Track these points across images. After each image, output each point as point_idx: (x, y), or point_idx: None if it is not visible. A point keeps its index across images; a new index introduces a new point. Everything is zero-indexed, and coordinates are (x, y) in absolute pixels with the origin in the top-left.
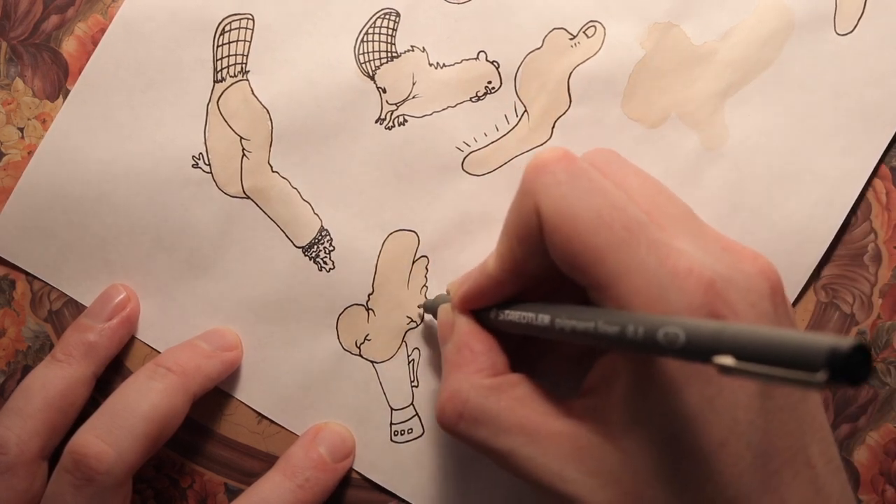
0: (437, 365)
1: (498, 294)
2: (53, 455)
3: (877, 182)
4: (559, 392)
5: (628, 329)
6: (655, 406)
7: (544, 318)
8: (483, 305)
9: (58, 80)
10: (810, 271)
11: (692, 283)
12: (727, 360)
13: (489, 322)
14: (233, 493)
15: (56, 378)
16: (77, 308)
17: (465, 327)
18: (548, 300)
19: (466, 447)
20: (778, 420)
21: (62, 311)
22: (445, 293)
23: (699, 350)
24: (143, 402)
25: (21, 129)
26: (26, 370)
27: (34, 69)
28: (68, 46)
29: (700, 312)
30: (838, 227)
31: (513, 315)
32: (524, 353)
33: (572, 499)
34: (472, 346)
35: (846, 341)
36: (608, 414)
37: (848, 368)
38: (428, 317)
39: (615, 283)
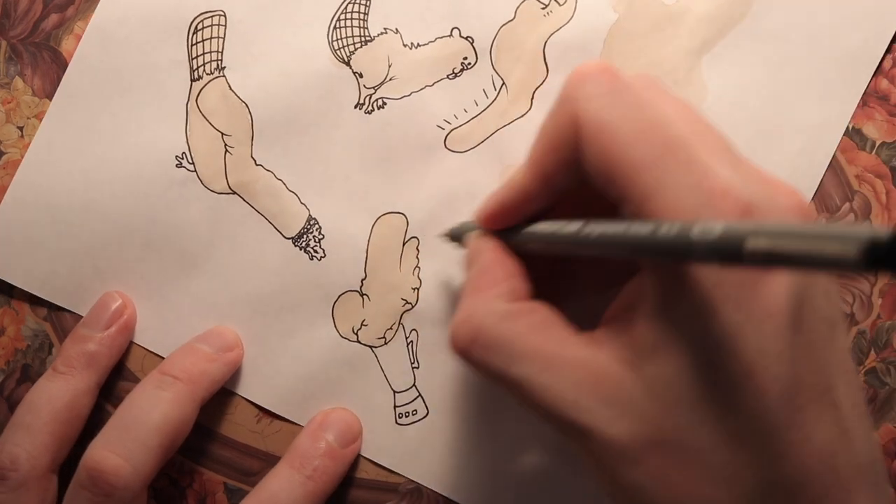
0: (435, 345)
1: (525, 208)
2: (62, 466)
3: (876, 182)
4: (582, 326)
5: (662, 227)
6: (680, 332)
7: (573, 226)
8: (510, 222)
9: (57, 79)
10: None
11: (728, 204)
12: (762, 241)
13: (516, 245)
14: (232, 493)
15: (60, 391)
16: None
17: (491, 252)
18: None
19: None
20: (805, 355)
21: (61, 311)
22: (472, 222)
23: (735, 238)
24: (154, 412)
25: (21, 128)
26: (25, 369)
27: (34, 68)
28: (68, 45)
29: None
30: (822, 174)
31: (541, 226)
32: (548, 288)
33: (587, 429)
34: (495, 272)
35: (886, 229)
36: (630, 341)
37: (889, 253)
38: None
39: (650, 198)
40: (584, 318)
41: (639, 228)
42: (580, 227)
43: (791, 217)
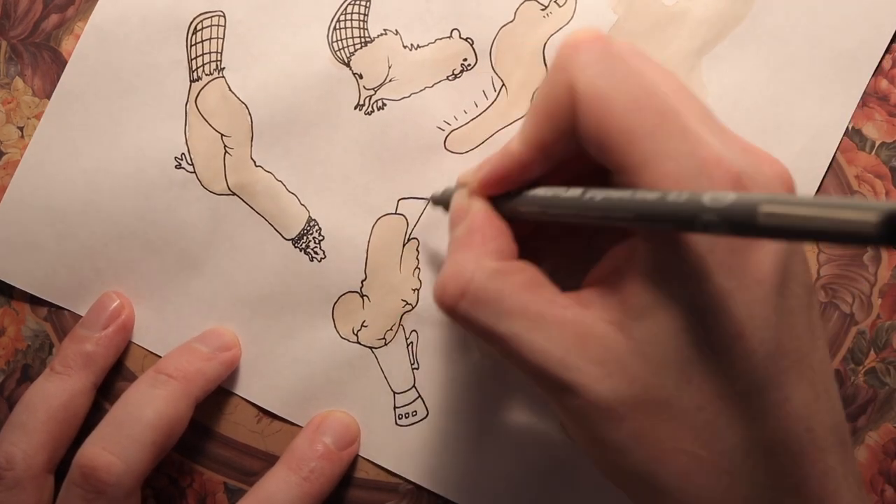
0: (435, 346)
1: (520, 176)
2: (59, 466)
3: (876, 182)
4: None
5: (670, 195)
6: (672, 295)
7: (575, 191)
8: (504, 188)
9: (57, 80)
10: None
11: (721, 173)
12: (777, 210)
13: (506, 210)
14: (232, 492)
15: (57, 390)
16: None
17: (481, 212)
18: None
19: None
20: (788, 321)
21: (61, 311)
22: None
23: (748, 207)
24: (148, 410)
25: (21, 129)
26: (26, 369)
27: (34, 68)
28: (68, 45)
29: None
30: (822, 175)
31: (540, 191)
32: (526, 252)
33: (574, 387)
34: (484, 231)
35: None
36: (619, 303)
37: None
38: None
39: (646, 167)
40: (559, 282)
41: (645, 195)
42: (582, 192)
43: (775, 185)
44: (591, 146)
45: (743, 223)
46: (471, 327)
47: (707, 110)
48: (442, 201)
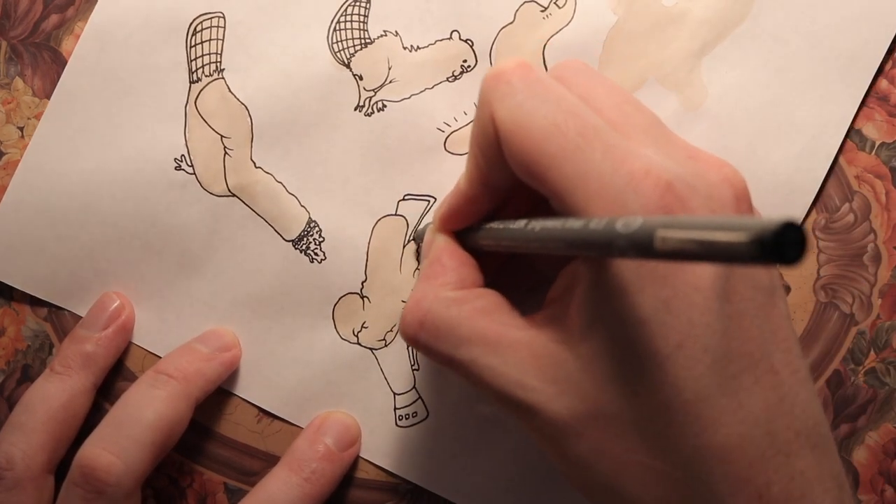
0: None
1: (472, 211)
2: (59, 467)
3: (876, 182)
4: (527, 313)
5: (591, 222)
6: (611, 310)
7: (520, 223)
8: (461, 224)
9: (58, 80)
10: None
11: (649, 184)
12: (667, 232)
13: (471, 243)
14: (232, 493)
15: (56, 391)
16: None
17: (441, 244)
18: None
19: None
20: (737, 325)
21: (62, 311)
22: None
23: (647, 232)
24: (148, 410)
25: (21, 129)
26: (26, 369)
27: (34, 68)
28: (68, 45)
29: (657, 214)
30: (823, 176)
31: (492, 224)
32: (507, 281)
33: (531, 407)
34: (443, 261)
35: (778, 220)
36: (567, 322)
37: (778, 240)
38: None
39: (571, 190)
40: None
41: (573, 223)
42: (525, 223)
43: (721, 190)
44: (520, 175)
45: (645, 248)
46: (432, 356)
47: (653, 121)
48: (421, 236)
